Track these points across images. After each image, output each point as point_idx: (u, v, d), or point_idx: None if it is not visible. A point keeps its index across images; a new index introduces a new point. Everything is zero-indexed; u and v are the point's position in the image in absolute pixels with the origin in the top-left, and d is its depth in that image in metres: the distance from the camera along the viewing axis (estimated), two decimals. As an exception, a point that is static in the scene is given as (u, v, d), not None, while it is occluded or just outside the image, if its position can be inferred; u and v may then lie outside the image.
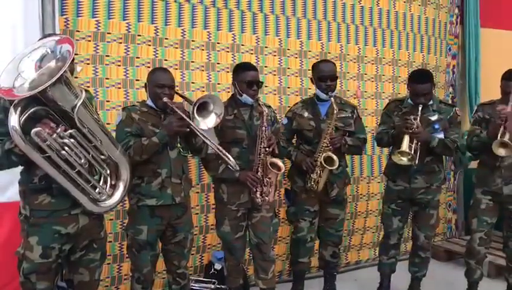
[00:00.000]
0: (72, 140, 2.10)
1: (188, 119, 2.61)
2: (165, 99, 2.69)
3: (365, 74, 4.29)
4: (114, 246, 3.36)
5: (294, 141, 3.57)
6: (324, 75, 3.33)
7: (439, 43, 4.77)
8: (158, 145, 2.67)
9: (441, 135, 3.35)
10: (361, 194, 4.35)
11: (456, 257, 4.72)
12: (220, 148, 2.72)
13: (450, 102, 4.65)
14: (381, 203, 4.14)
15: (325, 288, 3.77)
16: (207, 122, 2.68)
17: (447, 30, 4.84)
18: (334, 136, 3.28)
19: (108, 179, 2.32)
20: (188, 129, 2.65)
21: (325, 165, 3.23)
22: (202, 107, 2.66)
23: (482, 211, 3.48)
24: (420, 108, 3.24)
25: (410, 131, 3.16)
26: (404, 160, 3.21)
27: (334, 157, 3.24)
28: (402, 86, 4.50)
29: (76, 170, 2.14)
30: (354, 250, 4.46)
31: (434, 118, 3.35)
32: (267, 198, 3.04)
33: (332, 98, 3.28)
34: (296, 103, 3.56)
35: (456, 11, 4.88)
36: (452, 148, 3.34)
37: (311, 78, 3.47)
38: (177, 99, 2.84)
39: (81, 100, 2.05)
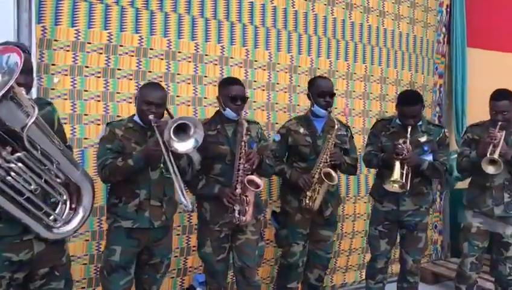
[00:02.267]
0: (20, 164, 1.86)
1: (162, 148, 2.42)
2: (150, 117, 2.53)
3: (354, 91, 4.20)
4: (89, 268, 3.14)
5: (285, 158, 3.44)
6: (324, 91, 3.26)
7: (427, 62, 4.73)
8: (134, 168, 2.50)
9: (430, 157, 3.31)
10: (347, 215, 4.22)
11: (442, 279, 4.63)
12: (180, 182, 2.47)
13: (437, 122, 4.61)
14: (368, 225, 4.06)
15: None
16: (184, 146, 2.49)
17: (434, 49, 4.81)
18: (334, 151, 3.18)
19: (68, 203, 2.09)
20: (165, 153, 2.45)
21: (325, 180, 3.10)
22: (182, 129, 2.47)
23: (473, 235, 3.41)
24: (409, 129, 3.18)
25: (401, 157, 3.09)
26: (397, 187, 3.15)
27: (333, 173, 3.14)
28: (390, 105, 4.42)
29: (26, 196, 1.90)
30: (339, 272, 4.32)
31: (423, 139, 3.29)
32: (243, 217, 2.87)
33: (330, 114, 3.21)
34: (290, 120, 3.46)
35: (444, 30, 4.85)
36: (441, 170, 3.31)
37: (308, 94, 3.38)
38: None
39: (33, 119, 1.79)
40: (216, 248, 2.96)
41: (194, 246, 3.46)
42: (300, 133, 3.31)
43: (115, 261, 2.58)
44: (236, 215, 2.84)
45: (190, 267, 3.52)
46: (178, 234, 3.40)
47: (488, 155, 3.10)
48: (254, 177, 2.88)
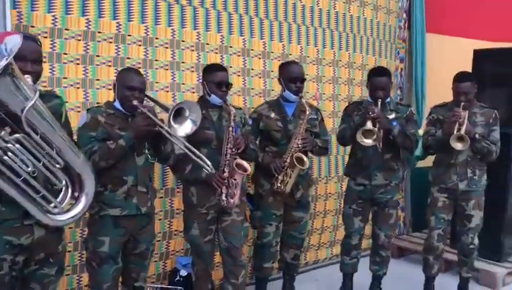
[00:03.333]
0: (18, 145, 1.88)
1: (155, 119, 2.47)
2: (135, 102, 2.55)
3: (323, 76, 4.34)
4: (73, 256, 3.15)
5: (258, 142, 3.53)
6: (295, 76, 3.34)
7: (389, 47, 4.94)
8: (125, 148, 2.50)
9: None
10: (319, 195, 4.40)
11: (406, 253, 4.92)
12: (195, 150, 2.61)
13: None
14: (342, 204, 4.24)
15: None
16: (184, 129, 2.56)
17: (396, 34, 5.02)
18: (306, 136, 3.29)
19: (69, 190, 2.10)
20: (157, 129, 2.50)
21: (297, 164, 3.22)
22: (177, 114, 2.54)
23: (439, 208, 3.65)
24: (379, 103, 3.33)
25: (373, 115, 3.22)
26: (368, 141, 3.24)
27: (305, 157, 3.25)
28: (357, 89, 4.62)
29: (22, 177, 1.91)
30: (312, 250, 4.51)
31: (391, 116, 3.46)
32: (231, 200, 2.96)
33: (302, 99, 3.30)
34: (261, 104, 3.53)
35: (404, 16, 5.08)
36: (413, 139, 3.45)
37: (278, 79, 3.46)
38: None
39: (32, 102, 1.81)
40: (203, 229, 3.04)
41: (176, 230, 3.53)
42: (272, 118, 3.40)
43: (105, 252, 2.56)
44: (224, 197, 2.92)
45: (172, 250, 3.59)
46: (160, 219, 3.45)
47: (455, 132, 3.31)
48: (242, 161, 2.97)
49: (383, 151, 3.40)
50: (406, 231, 5.28)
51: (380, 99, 3.34)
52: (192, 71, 3.51)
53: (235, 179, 2.96)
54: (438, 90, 4.87)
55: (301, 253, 3.82)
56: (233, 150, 2.94)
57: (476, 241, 3.67)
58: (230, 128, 2.95)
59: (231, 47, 3.72)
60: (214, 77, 3.00)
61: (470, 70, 4.28)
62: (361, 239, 3.70)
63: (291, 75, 3.35)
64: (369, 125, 3.21)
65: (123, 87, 2.59)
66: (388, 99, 3.50)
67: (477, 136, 3.42)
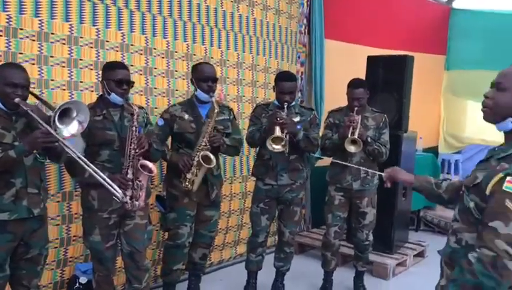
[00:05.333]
0: None
1: (56, 135, 2.36)
2: (17, 100, 2.42)
3: (227, 78, 4.38)
4: None
5: (169, 143, 3.49)
6: (207, 76, 3.34)
7: (291, 51, 5.11)
8: (15, 160, 2.38)
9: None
10: (224, 195, 4.42)
11: (307, 248, 5.12)
12: (103, 176, 2.53)
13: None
14: (247, 203, 4.32)
15: (189, 290, 3.76)
16: (70, 130, 2.46)
17: (297, 39, 5.20)
18: (214, 135, 3.30)
19: None
20: (56, 144, 2.40)
21: (203, 163, 3.22)
22: (64, 114, 2.43)
23: (336, 207, 3.86)
24: (286, 106, 3.44)
25: (280, 121, 3.33)
26: (278, 147, 3.36)
27: (212, 156, 3.26)
28: (260, 90, 4.72)
29: None
30: (217, 250, 4.52)
31: (296, 119, 3.59)
32: (137, 203, 2.88)
33: (213, 99, 3.30)
34: (174, 105, 3.49)
35: (305, 21, 5.27)
36: (315, 144, 3.62)
37: (191, 80, 3.44)
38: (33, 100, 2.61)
39: None
40: (105, 235, 2.93)
41: (74, 236, 3.35)
42: (185, 119, 3.37)
43: None
44: (128, 200, 2.83)
45: (71, 257, 3.40)
46: (57, 224, 3.27)
47: (349, 136, 3.52)
48: (147, 162, 2.89)
49: (289, 153, 3.51)
50: (305, 228, 5.50)
51: (286, 103, 3.44)
52: (91, 69, 3.36)
53: (140, 181, 2.88)
54: (335, 94, 5.12)
55: (209, 253, 3.82)
56: (137, 150, 2.86)
57: (371, 237, 3.94)
58: (134, 128, 2.87)
59: (132, 45, 3.61)
60: (114, 75, 2.89)
61: (364, 75, 4.58)
62: (267, 237, 3.79)
63: (202, 75, 3.35)
64: (277, 132, 3.33)
65: (4, 84, 2.43)
66: (293, 103, 3.62)
67: (369, 139, 3.67)
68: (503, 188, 1.60)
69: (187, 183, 3.27)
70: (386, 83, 4.65)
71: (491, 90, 1.77)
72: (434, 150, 7.30)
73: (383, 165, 3.92)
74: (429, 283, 4.29)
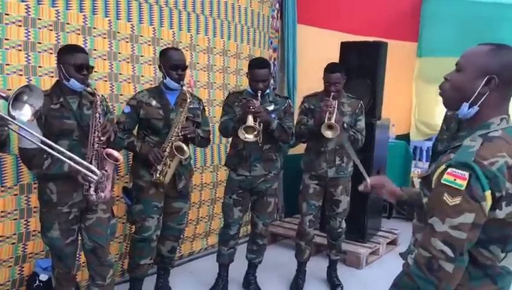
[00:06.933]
0: None
1: (9, 118, 2.15)
2: None
3: (197, 63, 4.21)
4: None
5: (136, 131, 3.32)
6: (175, 63, 3.17)
7: (263, 36, 4.96)
8: None
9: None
10: (195, 185, 4.28)
11: (279, 238, 5.04)
12: (73, 156, 2.34)
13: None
14: (218, 194, 4.20)
15: (158, 285, 3.63)
16: (22, 115, 2.24)
17: (269, 24, 5.05)
18: (186, 125, 3.15)
19: None
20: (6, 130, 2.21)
21: (176, 153, 3.07)
22: (16, 99, 2.23)
23: (311, 195, 3.77)
24: (259, 94, 3.31)
25: (253, 110, 3.20)
26: (250, 137, 3.23)
27: (185, 146, 3.13)
28: (232, 77, 4.56)
29: None
30: (187, 241, 4.39)
31: (270, 108, 3.47)
32: (102, 194, 2.70)
33: (185, 88, 3.15)
34: (141, 91, 3.32)
35: (277, 6, 5.12)
36: (289, 133, 3.51)
37: (159, 66, 3.27)
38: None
39: None
40: (65, 230, 2.75)
41: (34, 231, 3.16)
42: (153, 105, 3.22)
43: None
44: (93, 192, 2.65)
45: (30, 253, 3.21)
46: (15, 219, 3.07)
47: (326, 121, 3.42)
48: (112, 150, 2.71)
49: (262, 142, 3.39)
50: (278, 217, 5.41)
51: (260, 91, 3.31)
52: (51, 53, 3.14)
53: (106, 170, 2.70)
54: (309, 80, 5.03)
55: (178, 246, 3.69)
56: (101, 138, 2.69)
57: (344, 225, 3.87)
58: (97, 115, 2.69)
59: (95, 28, 3.40)
60: (73, 59, 2.67)
61: (337, 61, 4.47)
62: (240, 229, 3.67)
63: (171, 62, 3.18)
64: (250, 121, 3.19)
65: None
66: (267, 91, 3.49)
67: (345, 125, 3.58)
68: (442, 180, 1.44)
69: (158, 175, 3.12)
70: (360, 69, 4.56)
71: (451, 72, 1.63)
72: (406, 138, 7.30)
73: (356, 152, 3.87)
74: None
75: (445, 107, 1.70)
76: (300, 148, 4.25)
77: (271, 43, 5.13)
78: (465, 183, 1.39)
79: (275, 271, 4.18)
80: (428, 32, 7.41)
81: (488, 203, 1.40)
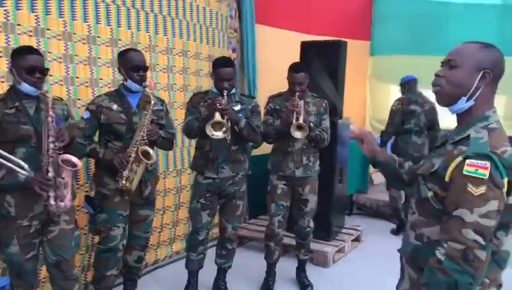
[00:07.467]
0: None
1: None
2: None
3: (157, 64, 4.07)
4: None
5: (97, 137, 3.16)
6: (136, 65, 3.04)
7: (222, 36, 4.87)
8: None
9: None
10: (158, 190, 4.12)
11: (245, 241, 4.97)
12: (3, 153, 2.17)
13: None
14: (182, 199, 4.08)
15: (125, 296, 3.49)
16: None
17: (228, 24, 4.98)
18: (151, 128, 3.03)
19: None
20: None
21: (143, 158, 2.94)
22: None
23: (279, 196, 3.73)
24: (225, 94, 3.23)
25: (220, 106, 3.11)
26: (218, 134, 3.12)
27: (151, 151, 3.01)
28: (192, 78, 4.46)
29: None
30: (151, 250, 4.24)
31: (237, 108, 3.40)
32: (62, 203, 2.53)
33: (147, 89, 3.03)
34: (100, 95, 3.17)
35: (235, 5, 5.05)
36: (257, 132, 3.44)
37: (119, 68, 3.12)
38: None
39: None
40: (25, 245, 2.58)
41: (-11, 247, 2.93)
42: (114, 110, 3.07)
43: None
44: (52, 202, 2.48)
45: (-14, 272, 2.99)
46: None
47: (294, 122, 3.38)
48: (69, 156, 2.54)
49: (230, 143, 3.31)
50: (243, 219, 5.33)
51: (225, 91, 3.23)
52: (0, 56, 2.94)
53: (63, 178, 2.53)
54: (270, 80, 5.01)
55: (145, 255, 3.55)
56: (56, 144, 2.51)
57: (312, 224, 3.86)
58: (50, 119, 2.51)
59: (49, 29, 3.21)
60: (24, 61, 2.51)
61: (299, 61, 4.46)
62: (208, 234, 3.57)
63: (132, 64, 3.04)
64: (218, 117, 3.08)
65: None
66: (233, 91, 3.41)
67: (311, 124, 3.56)
68: (463, 172, 1.49)
69: (124, 182, 2.98)
70: (321, 69, 4.56)
71: (442, 69, 1.68)
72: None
73: (322, 152, 3.88)
74: (368, 269, 4.35)
75: (440, 103, 1.71)
76: (263, 149, 4.20)
77: (230, 43, 5.05)
78: (487, 172, 1.46)
79: (244, 274, 4.11)
80: (380, 31, 7.57)
81: (505, 190, 1.49)
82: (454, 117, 1.74)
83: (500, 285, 1.65)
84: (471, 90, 1.61)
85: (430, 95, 5.44)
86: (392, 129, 5.46)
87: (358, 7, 7.20)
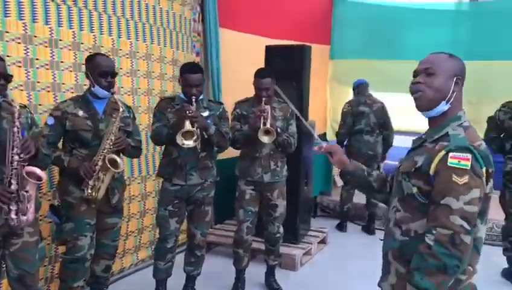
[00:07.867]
0: None
1: None
2: None
3: (121, 69, 3.97)
4: None
5: (61, 145, 3.05)
6: (105, 70, 2.96)
7: (186, 40, 4.82)
8: None
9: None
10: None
11: (212, 246, 4.92)
12: None
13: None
14: (147, 206, 4.01)
15: (90, 308, 3.38)
16: None
17: (191, 27, 4.92)
18: (119, 136, 2.95)
19: None
20: None
21: (110, 167, 2.86)
22: None
23: (247, 201, 3.72)
24: (194, 100, 3.19)
25: (190, 114, 3.06)
26: (189, 143, 3.08)
27: (118, 159, 2.94)
28: (156, 82, 4.38)
29: None
30: (117, 258, 4.09)
31: (205, 114, 3.36)
32: (24, 217, 2.43)
33: (115, 96, 2.95)
34: (64, 101, 3.06)
35: (198, 9, 5.00)
36: (227, 138, 3.41)
37: (86, 73, 3.02)
38: None
39: None
40: (-15, 261, 2.45)
41: None
42: (80, 116, 2.98)
43: None
44: (14, 216, 2.37)
45: None
46: None
47: (261, 126, 3.37)
48: (33, 168, 2.44)
49: (199, 150, 3.27)
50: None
51: (194, 97, 3.18)
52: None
53: (26, 191, 2.42)
54: (235, 85, 4.99)
55: (112, 264, 3.45)
56: (21, 156, 2.41)
57: (281, 229, 3.87)
58: (15, 129, 2.40)
59: (8, 32, 3.07)
60: None
61: (262, 65, 4.46)
62: (177, 241, 3.51)
63: (100, 69, 2.96)
64: (188, 126, 3.05)
65: None
66: (201, 97, 3.38)
67: (278, 130, 3.57)
68: (448, 164, 1.64)
69: (90, 191, 2.89)
70: (285, 73, 4.57)
71: (421, 76, 1.80)
72: (323, 138, 7.52)
73: (288, 156, 3.89)
74: (335, 271, 4.41)
75: (420, 108, 1.83)
76: (228, 154, 4.18)
77: (194, 47, 5.00)
78: (469, 163, 1.62)
79: (213, 281, 4.07)
80: (339, 35, 7.70)
81: (484, 179, 1.65)
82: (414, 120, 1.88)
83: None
84: (449, 94, 1.76)
85: (380, 97, 5.80)
86: (344, 130, 5.70)
87: (318, 11, 7.30)
